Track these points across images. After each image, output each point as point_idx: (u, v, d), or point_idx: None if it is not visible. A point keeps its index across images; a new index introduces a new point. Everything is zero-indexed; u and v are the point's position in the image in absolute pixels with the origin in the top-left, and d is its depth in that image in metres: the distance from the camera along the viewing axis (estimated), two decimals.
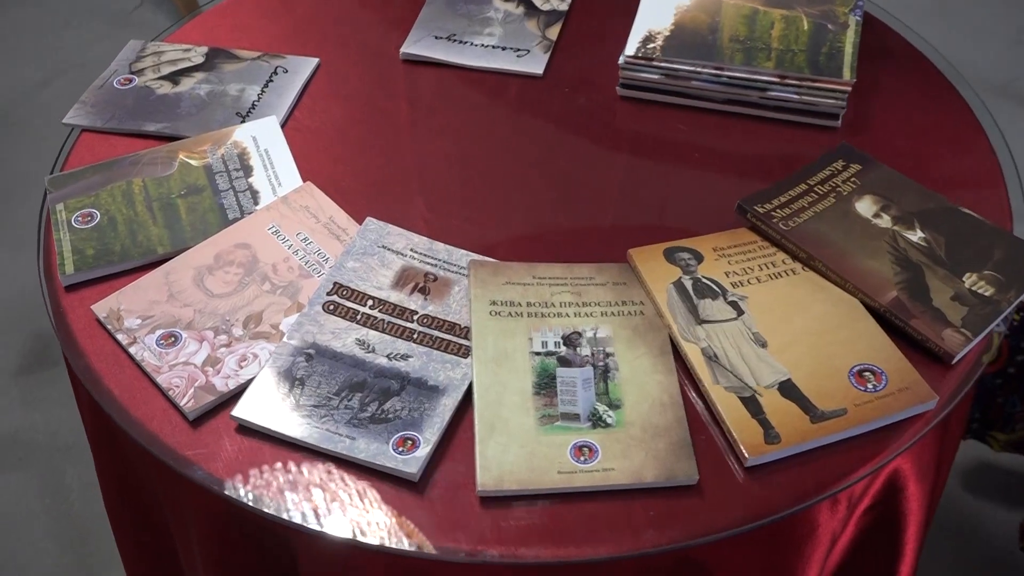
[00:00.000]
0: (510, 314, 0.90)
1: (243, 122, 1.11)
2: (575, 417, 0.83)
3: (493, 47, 1.20)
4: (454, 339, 0.89)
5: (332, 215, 1.00)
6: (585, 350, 0.88)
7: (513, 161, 1.09)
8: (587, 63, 1.19)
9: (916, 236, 0.95)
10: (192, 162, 1.06)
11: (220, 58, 1.20)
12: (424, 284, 0.93)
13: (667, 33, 1.12)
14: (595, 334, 0.89)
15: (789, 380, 0.84)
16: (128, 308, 0.92)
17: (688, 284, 0.92)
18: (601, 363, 0.87)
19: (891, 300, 0.89)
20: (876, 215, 0.97)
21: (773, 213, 0.96)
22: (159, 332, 0.90)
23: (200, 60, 1.19)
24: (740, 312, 0.90)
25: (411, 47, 1.20)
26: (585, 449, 0.81)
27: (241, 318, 0.91)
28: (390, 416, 0.83)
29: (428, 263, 0.95)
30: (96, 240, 0.98)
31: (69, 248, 0.98)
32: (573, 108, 1.14)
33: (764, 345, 0.87)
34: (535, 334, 0.89)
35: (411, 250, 0.96)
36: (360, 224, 0.99)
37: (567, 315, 0.90)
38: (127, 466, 0.95)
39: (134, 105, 1.13)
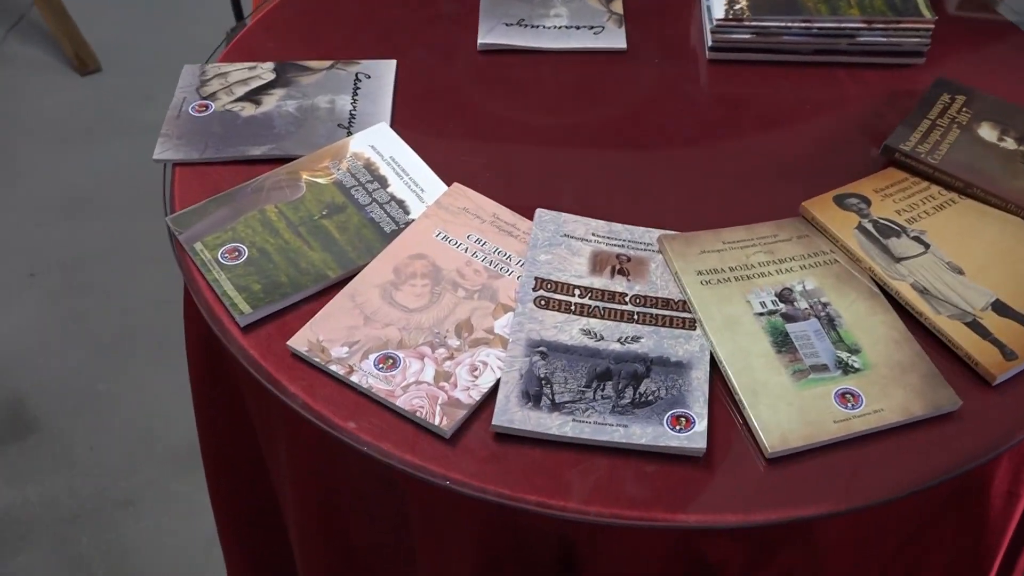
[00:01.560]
0: (719, 281, 0.91)
1: (349, 133, 1.06)
2: (824, 368, 0.85)
3: (566, 27, 1.19)
4: (674, 314, 0.89)
5: (495, 212, 0.98)
6: (802, 303, 0.90)
7: (633, 135, 1.09)
8: (663, 32, 1.20)
9: None
10: (319, 180, 1.01)
11: (291, 72, 1.14)
12: (620, 265, 0.93)
13: None
14: (804, 287, 0.91)
15: (998, 300, 0.89)
16: (328, 338, 0.87)
17: (870, 226, 0.95)
18: (822, 313, 0.89)
19: None
20: (999, 139, 1.03)
21: (918, 149, 1.00)
22: (374, 356, 0.86)
23: (271, 76, 1.13)
24: (926, 245, 0.94)
25: (488, 37, 1.18)
26: (848, 396, 0.83)
27: (451, 328, 0.88)
28: (650, 398, 0.83)
29: (615, 244, 0.94)
30: (257, 274, 0.92)
31: (232, 287, 0.91)
32: (668, 77, 1.15)
33: (961, 272, 0.92)
34: (750, 296, 0.90)
35: (593, 234, 0.95)
36: (524, 217, 0.97)
37: (769, 273, 0.92)
38: (337, 499, 0.91)
39: (224, 131, 1.07)
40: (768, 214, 0.99)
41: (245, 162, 1.04)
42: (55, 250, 2.19)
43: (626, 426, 0.81)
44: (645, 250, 0.94)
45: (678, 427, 0.81)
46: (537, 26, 1.19)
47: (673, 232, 0.95)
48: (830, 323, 0.88)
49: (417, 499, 0.84)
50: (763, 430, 0.81)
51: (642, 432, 0.81)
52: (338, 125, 1.08)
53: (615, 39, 1.18)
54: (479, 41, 1.17)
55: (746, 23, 1.13)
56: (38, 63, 2.65)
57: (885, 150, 1.01)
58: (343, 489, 0.89)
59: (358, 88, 1.12)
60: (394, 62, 1.15)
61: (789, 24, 1.13)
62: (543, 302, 0.89)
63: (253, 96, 1.11)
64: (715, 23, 1.13)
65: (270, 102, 1.10)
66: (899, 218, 0.96)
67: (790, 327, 0.88)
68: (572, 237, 0.95)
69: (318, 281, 0.92)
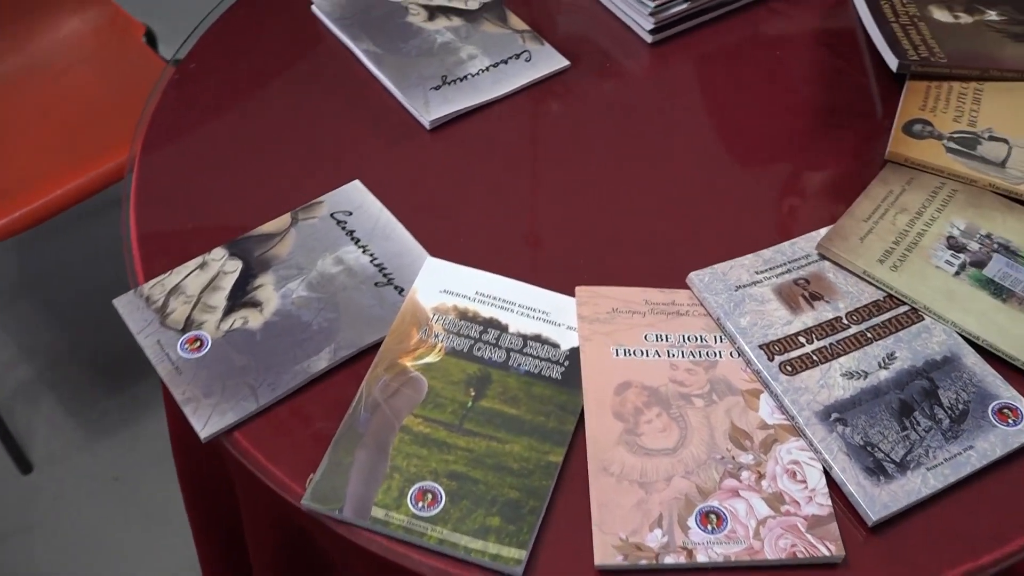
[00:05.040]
0: (900, 260, 0.86)
1: (399, 290, 0.85)
2: None
3: (493, 66, 1.03)
4: (896, 313, 0.83)
5: (645, 298, 0.84)
6: (973, 245, 0.88)
7: (663, 149, 0.98)
8: (578, 31, 1.08)
9: (994, 15, 1.07)
10: (430, 360, 0.80)
11: (254, 249, 0.88)
12: (807, 291, 0.84)
13: None
14: (959, 228, 0.89)
15: None
16: (631, 529, 0.71)
17: (953, 144, 0.94)
18: (995, 245, 0.88)
19: None
20: (955, 16, 1.06)
21: (921, 54, 1.01)
22: (692, 521, 0.71)
23: (236, 265, 0.87)
24: (1004, 140, 0.95)
25: (434, 112, 0.98)
26: None
27: (727, 447, 0.75)
28: (959, 407, 0.77)
29: (780, 275, 0.85)
30: (481, 506, 0.72)
31: (473, 540, 0.70)
32: (635, 77, 1.04)
33: None
34: (934, 260, 0.86)
35: (756, 272, 0.85)
36: (671, 289, 0.84)
37: (923, 231, 0.88)
38: None
39: (254, 361, 0.80)
40: (850, 168, 0.95)
41: (320, 377, 0.80)
42: None
43: (971, 446, 0.75)
44: (809, 263, 0.87)
45: (1007, 422, 0.77)
46: (464, 77, 1.02)
47: (819, 232, 0.88)
48: (1008, 251, 0.87)
49: None
50: None
51: (989, 444, 0.75)
52: (375, 284, 0.85)
53: (551, 58, 1.04)
54: (428, 119, 0.98)
55: None
56: None
57: (900, 67, 1.00)
58: None
59: (351, 231, 0.89)
60: (358, 182, 0.93)
61: None
62: (788, 368, 0.79)
63: (241, 301, 0.84)
64: (653, 4, 1.04)
65: (271, 298, 0.85)
66: (962, 125, 0.97)
67: (987, 272, 0.86)
68: (739, 286, 0.84)
69: (550, 474, 0.74)
